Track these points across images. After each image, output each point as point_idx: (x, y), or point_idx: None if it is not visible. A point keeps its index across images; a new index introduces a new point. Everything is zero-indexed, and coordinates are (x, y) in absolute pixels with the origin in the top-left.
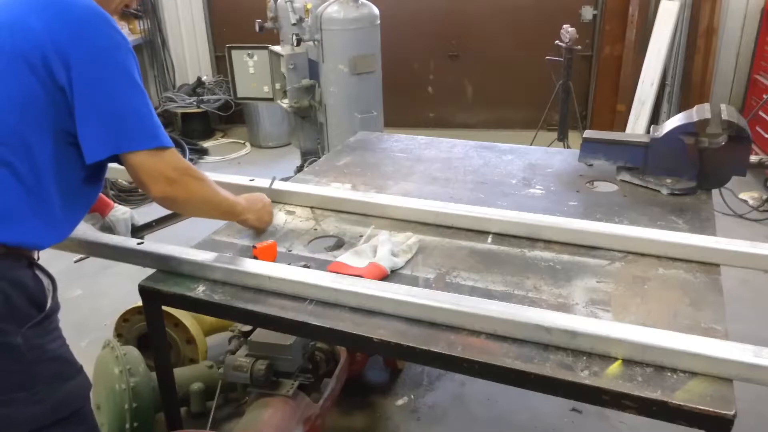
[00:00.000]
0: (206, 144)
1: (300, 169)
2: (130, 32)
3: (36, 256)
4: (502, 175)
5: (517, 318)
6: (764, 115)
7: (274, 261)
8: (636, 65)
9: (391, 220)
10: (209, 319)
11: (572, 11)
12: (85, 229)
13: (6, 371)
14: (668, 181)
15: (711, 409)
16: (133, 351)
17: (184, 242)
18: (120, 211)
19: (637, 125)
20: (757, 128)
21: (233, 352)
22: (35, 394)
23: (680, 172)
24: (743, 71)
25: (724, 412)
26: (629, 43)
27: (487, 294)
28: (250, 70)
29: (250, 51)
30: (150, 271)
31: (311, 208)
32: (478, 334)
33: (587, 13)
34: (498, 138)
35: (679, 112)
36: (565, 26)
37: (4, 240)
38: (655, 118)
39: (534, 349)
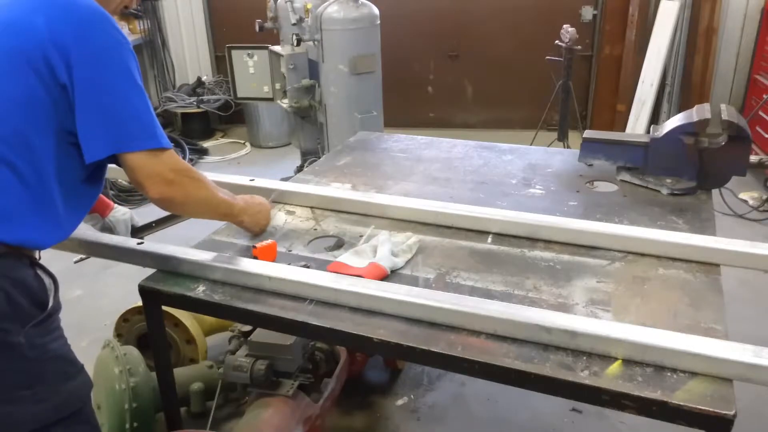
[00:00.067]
0: (206, 144)
1: (300, 169)
2: (130, 32)
3: (37, 256)
4: (502, 175)
5: (517, 318)
6: (764, 115)
7: (274, 261)
8: (636, 65)
9: (391, 220)
10: (209, 319)
11: (572, 11)
12: (85, 230)
13: (8, 370)
14: (668, 181)
15: (711, 409)
16: (133, 351)
17: (184, 242)
18: (120, 212)
19: (637, 125)
20: (757, 128)
21: (233, 352)
22: (37, 394)
23: (680, 172)
24: (743, 71)
25: (724, 412)
26: (629, 43)
27: (487, 294)
28: (250, 70)
29: (250, 51)
30: (150, 271)
31: (311, 208)
32: (478, 334)
33: (587, 13)
34: (498, 138)
35: (679, 112)
36: (565, 26)
37: (6, 239)
38: (655, 118)
39: (534, 349)
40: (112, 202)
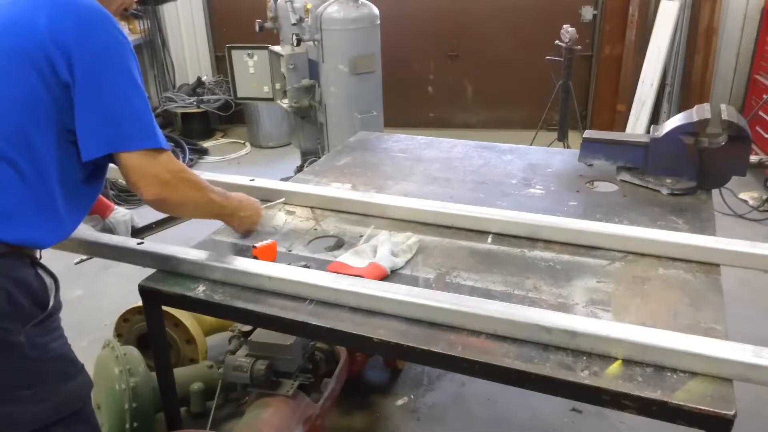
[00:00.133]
0: (206, 144)
1: (300, 169)
2: (130, 32)
3: (38, 255)
4: (502, 175)
5: (517, 318)
6: (764, 115)
7: (274, 261)
8: (636, 65)
9: (391, 220)
10: (209, 319)
11: (572, 11)
12: (86, 230)
13: (8, 370)
14: (668, 181)
15: (711, 409)
16: (133, 351)
17: (184, 242)
18: (120, 213)
19: (637, 125)
20: (757, 128)
21: (233, 352)
22: (37, 393)
23: (680, 172)
24: (743, 71)
25: (724, 412)
26: (629, 43)
27: (487, 294)
28: (250, 70)
29: (250, 51)
30: (150, 271)
31: (311, 208)
32: (478, 334)
33: (587, 13)
34: (498, 138)
35: (679, 112)
36: (565, 26)
37: (7, 239)
38: (655, 118)
39: (534, 349)
40: (112, 204)
